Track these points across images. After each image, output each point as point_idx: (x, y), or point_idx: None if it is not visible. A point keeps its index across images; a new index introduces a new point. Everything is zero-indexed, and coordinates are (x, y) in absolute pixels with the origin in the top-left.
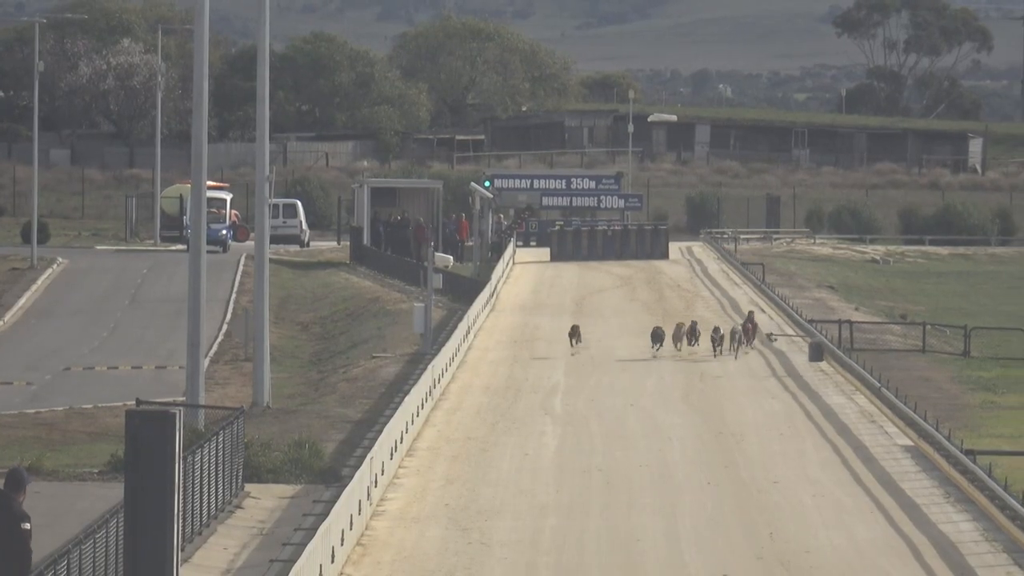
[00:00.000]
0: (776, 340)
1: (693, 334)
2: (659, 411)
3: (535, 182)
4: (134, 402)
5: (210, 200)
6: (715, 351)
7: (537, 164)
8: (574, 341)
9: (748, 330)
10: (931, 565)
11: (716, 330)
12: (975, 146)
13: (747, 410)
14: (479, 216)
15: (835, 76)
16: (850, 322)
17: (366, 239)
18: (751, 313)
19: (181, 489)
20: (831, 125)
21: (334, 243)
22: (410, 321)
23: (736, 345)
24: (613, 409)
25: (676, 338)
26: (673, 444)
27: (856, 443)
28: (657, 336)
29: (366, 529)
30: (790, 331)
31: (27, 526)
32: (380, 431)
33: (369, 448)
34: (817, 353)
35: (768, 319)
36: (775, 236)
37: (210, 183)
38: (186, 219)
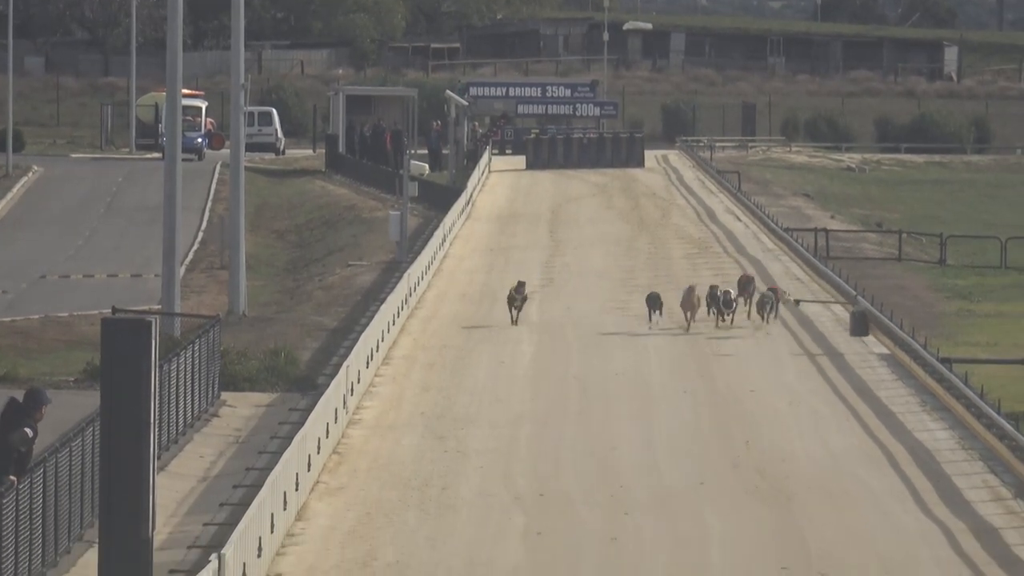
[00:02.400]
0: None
1: (726, 303)
2: (635, 317)
3: (510, 90)
4: (110, 310)
5: (185, 108)
6: (725, 316)
7: (512, 72)
8: (515, 310)
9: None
10: (907, 473)
11: (727, 293)
12: (951, 54)
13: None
14: (454, 124)
15: None
16: (826, 230)
17: (341, 147)
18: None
19: (157, 397)
20: (806, 33)
21: (309, 151)
22: (386, 229)
23: (768, 313)
24: (589, 316)
25: (687, 307)
26: (649, 352)
27: (832, 351)
28: (654, 302)
29: (342, 437)
30: (825, 296)
31: (29, 433)
32: (356, 339)
33: (345, 356)
34: (861, 325)
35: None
36: (751, 144)
37: (185, 91)
38: (161, 127)
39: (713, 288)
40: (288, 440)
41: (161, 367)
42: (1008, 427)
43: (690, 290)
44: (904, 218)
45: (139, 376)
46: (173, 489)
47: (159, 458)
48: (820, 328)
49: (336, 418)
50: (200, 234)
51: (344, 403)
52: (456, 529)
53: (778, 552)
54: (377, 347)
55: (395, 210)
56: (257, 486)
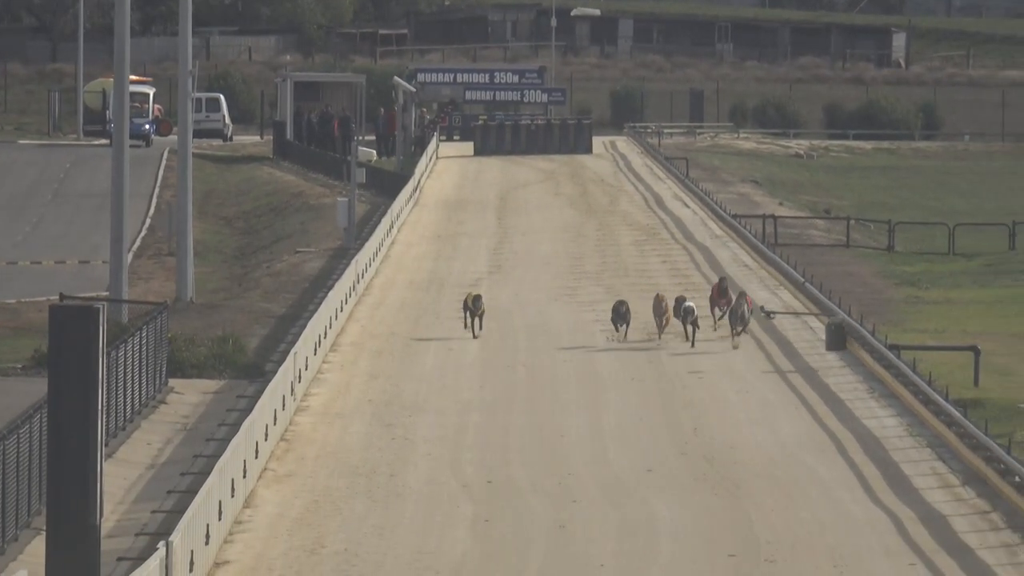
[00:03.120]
0: (773, 317)
1: (687, 312)
2: (583, 304)
3: (458, 76)
4: (58, 297)
5: (133, 94)
6: (688, 334)
7: (460, 58)
8: (475, 320)
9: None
10: (855, 460)
11: (690, 309)
12: (899, 40)
13: (671, 303)
14: (402, 110)
15: None
16: (774, 217)
17: (289, 133)
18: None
19: (104, 384)
20: (755, 19)
21: (257, 137)
22: (333, 216)
23: (738, 329)
24: (537, 303)
25: (658, 314)
26: (597, 339)
27: (780, 338)
28: (620, 313)
29: (290, 425)
30: (800, 307)
31: None
32: (304, 326)
33: (293, 343)
34: (837, 339)
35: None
36: (699, 131)
37: (133, 77)
38: (109, 113)
39: (680, 299)
40: (236, 427)
41: (108, 354)
42: (956, 414)
43: (658, 299)
44: (852, 205)
45: (86, 363)
46: (121, 476)
47: (107, 445)
48: (771, 318)
49: (284, 405)
50: (148, 221)
51: (292, 390)
52: (404, 517)
53: (726, 540)
54: (325, 334)
55: (343, 197)
56: (205, 473)
